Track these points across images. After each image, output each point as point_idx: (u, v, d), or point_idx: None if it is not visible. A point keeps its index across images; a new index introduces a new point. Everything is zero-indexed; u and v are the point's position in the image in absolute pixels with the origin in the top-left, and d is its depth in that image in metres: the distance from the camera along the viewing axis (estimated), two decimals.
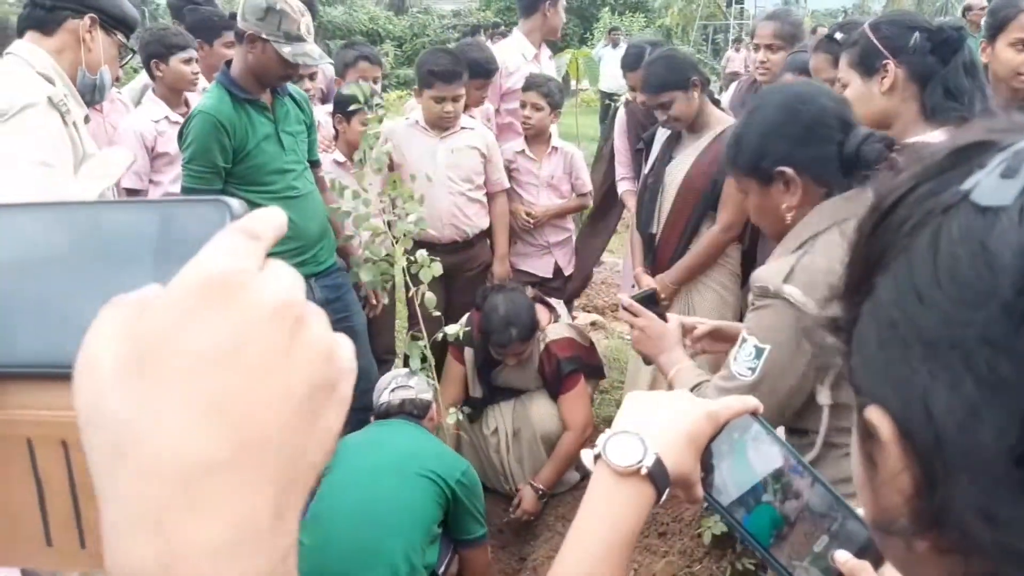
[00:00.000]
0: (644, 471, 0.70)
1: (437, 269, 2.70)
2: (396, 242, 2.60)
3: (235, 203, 0.35)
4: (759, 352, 1.44)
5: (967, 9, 7.70)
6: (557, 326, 3.09)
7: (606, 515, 0.72)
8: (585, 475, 3.24)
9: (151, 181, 3.11)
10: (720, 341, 1.70)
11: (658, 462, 0.71)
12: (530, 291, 3.15)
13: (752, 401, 0.77)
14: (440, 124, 3.21)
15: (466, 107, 3.41)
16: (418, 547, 2.17)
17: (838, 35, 2.47)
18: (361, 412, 2.78)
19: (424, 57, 3.28)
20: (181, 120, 3.04)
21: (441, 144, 3.24)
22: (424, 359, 2.67)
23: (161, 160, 3.09)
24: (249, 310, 0.30)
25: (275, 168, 2.61)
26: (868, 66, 1.88)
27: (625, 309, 1.67)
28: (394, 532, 2.13)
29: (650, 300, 1.67)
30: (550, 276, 3.70)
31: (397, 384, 2.55)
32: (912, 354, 0.41)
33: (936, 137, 1.76)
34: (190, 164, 2.53)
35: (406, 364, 2.70)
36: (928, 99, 1.84)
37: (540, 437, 3.02)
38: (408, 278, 2.66)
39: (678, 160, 2.86)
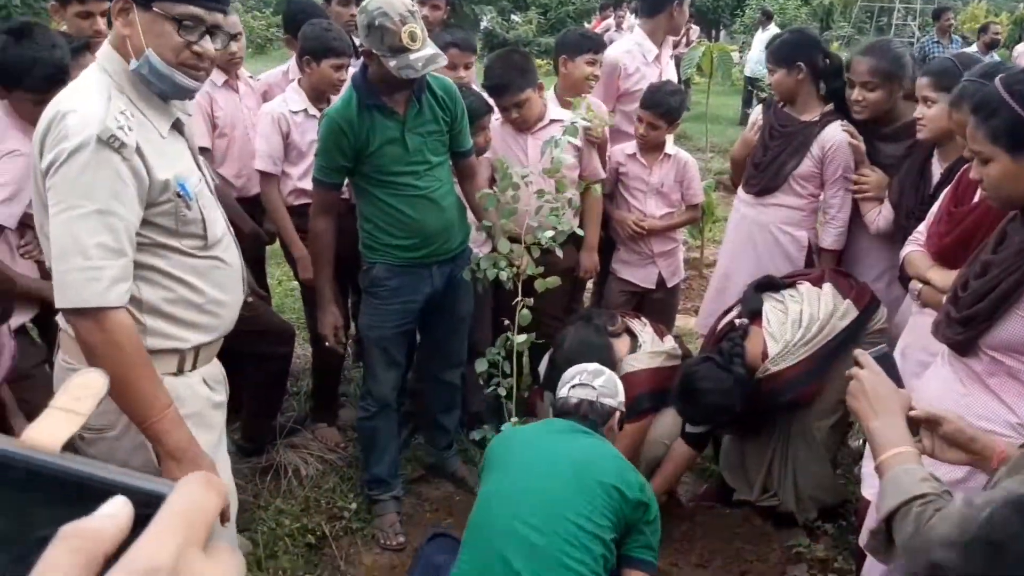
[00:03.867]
0: None
1: (553, 282, 2.76)
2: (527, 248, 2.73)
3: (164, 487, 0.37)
4: None
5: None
6: (635, 357, 2.93)
7: None
8: None
9: (283, 172, 3.26)
10: (952, 445, 1.38)
11: None
12: (618, 321, 3.04)
13: None
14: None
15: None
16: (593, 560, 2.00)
17: None
18: (448, 387, 3.10)
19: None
20: (318, 115, 3.23)
21: (531, 139, 3.22)
22: (494, 365, 2.75)
23: (293, 151, 3.23)
24: None
25: (396, 169, 2.74)
26: (1021, 141, 1.66)
27: (855, 360, 1.46)
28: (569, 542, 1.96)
29: (884, 360, 1.46)
30: (653, 287, 3.61)
31: (580, 381, 2.32)
32: None
33: None
34: (318, 158, 2.80)
35: (492, 366, 2.79)
36: None
37: (644, 462, 2.90)
38: (519, 287, 2.73)
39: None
